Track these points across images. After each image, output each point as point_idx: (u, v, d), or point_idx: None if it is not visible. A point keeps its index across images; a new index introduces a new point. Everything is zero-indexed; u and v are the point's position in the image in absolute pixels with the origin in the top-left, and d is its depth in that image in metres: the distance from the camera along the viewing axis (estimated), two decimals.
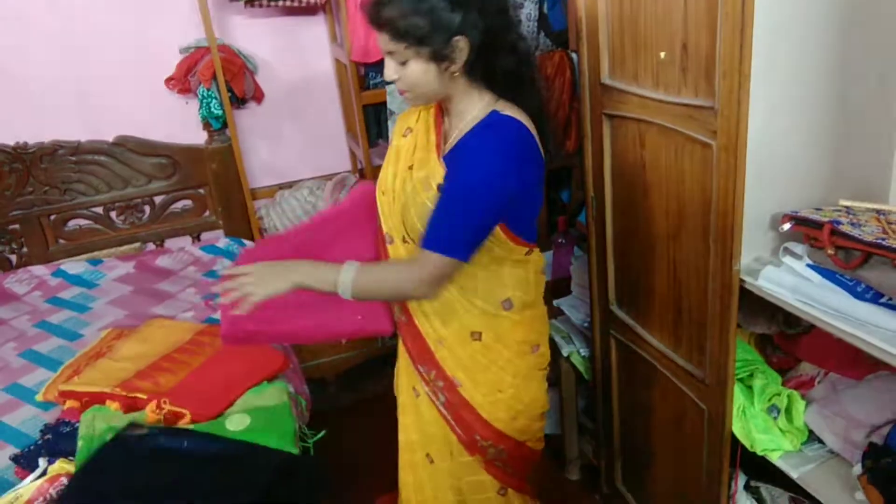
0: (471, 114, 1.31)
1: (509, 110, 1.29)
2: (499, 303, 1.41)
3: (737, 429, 1.44)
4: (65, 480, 1.43)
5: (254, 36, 2.69)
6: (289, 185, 2.86)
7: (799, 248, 1.27)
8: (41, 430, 1.63)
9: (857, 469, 1.27)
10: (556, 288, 2.26)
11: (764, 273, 1.28)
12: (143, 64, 2.59)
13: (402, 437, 1.65)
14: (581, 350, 2.09)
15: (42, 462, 1.51)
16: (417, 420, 1.59)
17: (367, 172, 2.66)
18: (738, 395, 1.44)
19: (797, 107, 1.26)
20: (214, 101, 2.52)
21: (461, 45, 1.21)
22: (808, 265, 1.24)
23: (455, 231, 1.26)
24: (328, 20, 2.75)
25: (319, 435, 1.74)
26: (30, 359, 2.04)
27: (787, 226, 1.27)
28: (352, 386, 2.79)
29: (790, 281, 1.24)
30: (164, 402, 1.62)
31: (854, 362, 1.41)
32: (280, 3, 2.53)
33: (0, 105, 2.51)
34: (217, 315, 2.14)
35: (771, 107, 1.22)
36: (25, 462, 1.53)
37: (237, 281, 1.29)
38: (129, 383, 1.69)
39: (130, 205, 2.69)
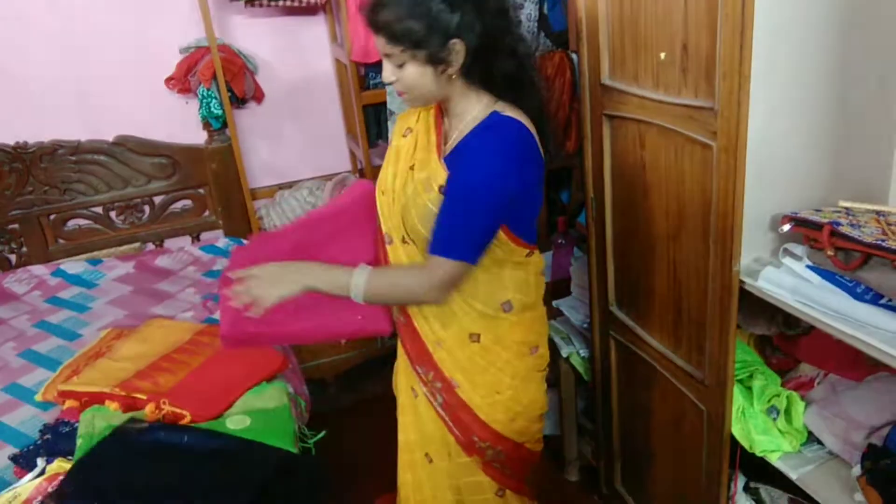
0: (470, 114, 1.31)
1: (509, 111, 1.29)
2: (499, 305, 1.41)
3: (736, 430, 1.44)
4: None
5: (254, 36, 2.69)
6: (289, 185, 2.86)
7: (799, 250, 1.27)
8: (40, 430, 1.63)
9: (857, 470, 1.27)
10: (556, 289, 2.26)
11: (764, 274, 1.28)
12: (143, 64, 2.59)
13: (401, 436, 1.65)
14: (580, 351, 2.09)
15: (40, 462, 1.51)
16: (416, 420, 1.59)
17: (367, 172, 2.66)
18: (737, 396, 1.44)
19: (797, 108, 1.26)
20: (214, 100, 2.52)
21: (458, 48, 1.21)
22: (808, 266, 1.24)
23: (461, 234, 1.27)
24: (328, 20, 2.75)
25: (319, 435, 1.74)
26: (29, 359, 2.03)
27: (786, 227, 1.27)
28: (351, 386, 2.79)
29: (790, 282, 1.24)
30: (164, 403, 1.62)
31: (853, 363, 1.41)
32: (280, 3, 2.53)
33: (0, 104, 2.51)
34: (216, 315, 2.14)
35: (771, 108, 1.22)
36: (24, 462, 1.53)
37: (245, 285, 1.29)
38: (129, 383, 1.69)
39: (130, 205, 2.69)
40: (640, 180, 1.54)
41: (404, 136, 1.41)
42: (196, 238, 2.80)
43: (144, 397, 1.64)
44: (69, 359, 1.94)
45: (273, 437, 1.56)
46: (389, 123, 2.47)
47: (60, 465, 1.48)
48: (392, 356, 1.70)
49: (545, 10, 2.37)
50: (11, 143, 2.51)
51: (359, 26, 2.40)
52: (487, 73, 1.26)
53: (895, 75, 1.31)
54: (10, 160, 2.51)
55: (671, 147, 1.41)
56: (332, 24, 2.75)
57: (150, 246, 2.74)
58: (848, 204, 1.31)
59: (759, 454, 1.42)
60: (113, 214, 2.69)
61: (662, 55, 1.35)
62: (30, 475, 1.48)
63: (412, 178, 1.34)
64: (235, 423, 1.60)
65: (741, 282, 1.31)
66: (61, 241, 2.66)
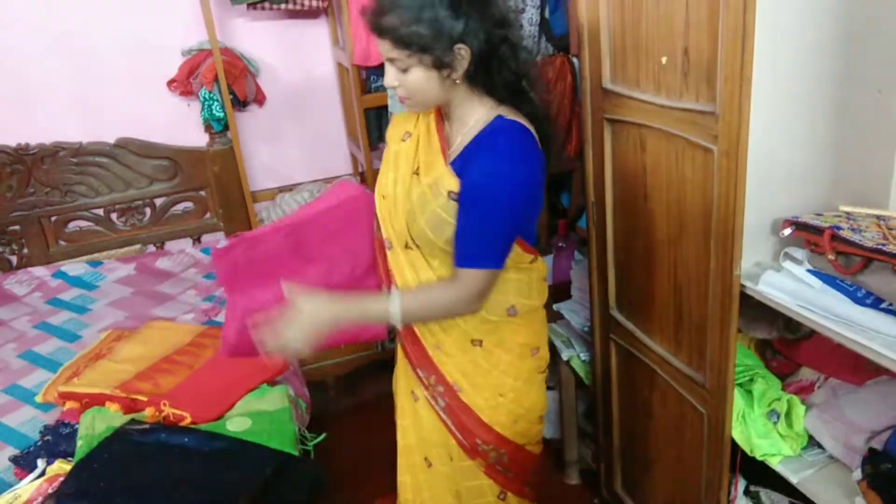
0: (472, 119, 1.31)
1: (512, 115, 1.30)
2: (504, 311, 1.42)
3: (737, 433, 1.44)
4: None
5: (256, 39, 2.70)
6: (289, 188, 2.86)
7: (799, 254, 1.27)
8: (41, 431, 1.63)
9: (857, 474, 1.26)
10: (557, 292, 2.26)
11: (764, 278, 1.28)
12: (145, 66, 2.60)
13: (400, 440, 1.65)
14: (581, 354, 2.08)
15: (41, 463, 1.51)
16: (415, 424, 1.58)
17: (368, 175, 2.66)
18: (738, 400, 1.44)
19: (798, 112, 1.27)
20: (216, 103, 2.53)
21: (463, 53, 1.21)
22: (809, 270, 1.24)
23: (487, 242, 1.28)
24: (330, 23, 2.76)
25: (319, 438, 1.74)
26: (30, 360, 2.04)
27: (787, 231, 1.27)
28: (352, 389, 2.79)
29: (791, 286, 1.24)
30: (165, 405, 1.62)
31: (854, 367, 1.41)
32: (282, 7, 2.54)
33: (2, 106, 2.51)
34: (218, 318, 2.14)
35: (772, 112, 1.22)
36: (24, 463, 1.53)
37: (276, 331, 1.28)
38: (129, 385, 1.69)
39: (131, 206, 2.70)
40: (641, 184, 1.54)
41: (403, 140, 1.41)
42: (197, 240, 2.80)
43: (145, 399, 1.64)
44: (70, 360, 1.95)
45: (273, 440, 1.57)
46: None
47: (61, 467, 1.48)
48: (392, 359, 1.70)
49: (546, 15, 2.37)
50: (13, 144, 2.51)
51: (360, 30, 2.41)
52: (490, 79, 1.27)
53: None
54: (12, 162, 2.51)
55: (672, 151, 1.41)
56: (334, 27, 2.76)
57: (151, 248, 2.75)
58: (848, 208, 1.31)
59: (759, 458, 1.42)
60: (114, 216, 2.69)
61: (664, 59, 1.35)
62: (30, 476, 1.48)
63: (418, 183, 1.33)
64: (236, 424, 1.61)
65: (742, 286, 1.31)
66: (62, 242, 2.67)
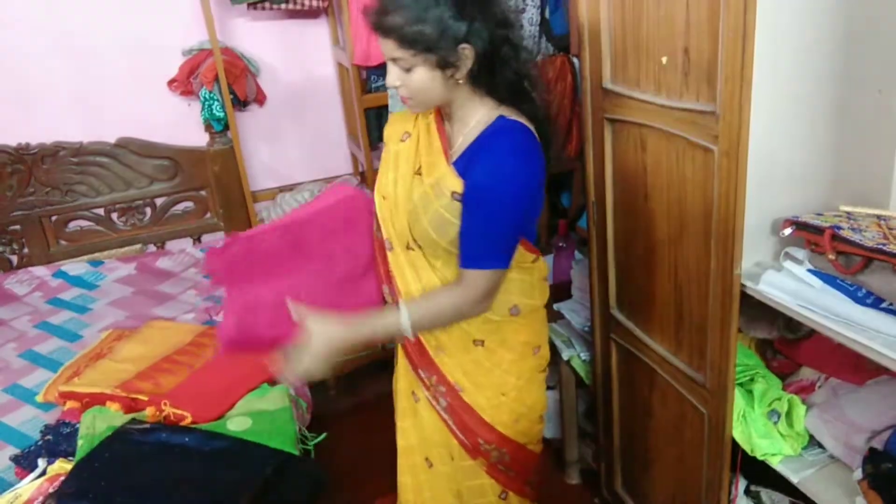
0: (474, 119, 1.31)
1: (514, 115, 1.30)
2: (506, 311, 1.42)
3: (737, 433, 1.44)
4: None
5: (256, 39, 2.70)
6: (290, 188, 2.86)
7: (800, 253, 1.27)
8: (41, 431, 1.63)
9: (858, 474, 1.27)
10: (557, 292, 2.26)
11: (765, 278, 1.28)
12: (145, 66, 2.60)
13: (400, 441, 1.64)
14: (581, 354, 2.09)
15: (41, 462, 1.51)
16: (416, 424, 1.58)
17: (369, 175, 2.66)
18: (738, 400, 1.44)
19: (798, 112, 1.27)
20: (216, 103, 2.53)
21: (467, 53, 1.21)
22: (809, 270, 1.24)
23: (493, 243, 1.28)
24: (330, 23, 2.76)
25: (320, 437, 1.74)
26: (30, 359, 2.04)
27: (788, 231, 1.27)
28: (352, 389, 2.79)
29: (791, 286, 1.24)
30: (165, 404, 1.62)
31: (854, 367, 1.41)
32: (283, 7, 2.54)
33: (2, 106, 2.51)
34: (218, 317, 2.14)
35: (772, 112, 1.23)
36: (25, 462, 1.53)
37: (298, 368, 1.30)
38: (130, 384, 1.69)
39: (132, 206, 2.70)
40: (642, 184, 1.54)
41: (402, 140, 1.40)
42: (197, 240, 2.80)
43: (145, 398, 1.64)
44: (70, 360, 1.95)
45: (274, 439, 1.57)
46: None
47: (61, 466, 1.48)
48: (392, 359, 1.70)
49: (547, 15, 2.37)
50: (13, 144, 2.51)
51: (360, 30, 2.41)
52: (493, 79, 1.27)
53: None
54: (12, 161, 2.52)
55: (672, 151, 1.41)
56: (334, 27, 2.76)
57: (152, 247, 2.75)
58: (849, 208, 1.31)
59: (759, 458, 1.42)
60: (114, 216, 2.70)
61: (664, 59, 1.35)
62: (31, 476, 1.48)
63: (420, 183, 1.33)
64: (236, 424, 1.61)
65: (742, 285, 1.31)
66: (63, 242, 2.67)
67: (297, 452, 1.58)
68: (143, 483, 1.41)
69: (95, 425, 1.56)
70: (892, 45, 1.28)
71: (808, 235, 1.24)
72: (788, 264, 1.27)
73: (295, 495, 1.48)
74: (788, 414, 1.41)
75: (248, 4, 2.51)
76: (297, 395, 1.84)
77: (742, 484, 1.57)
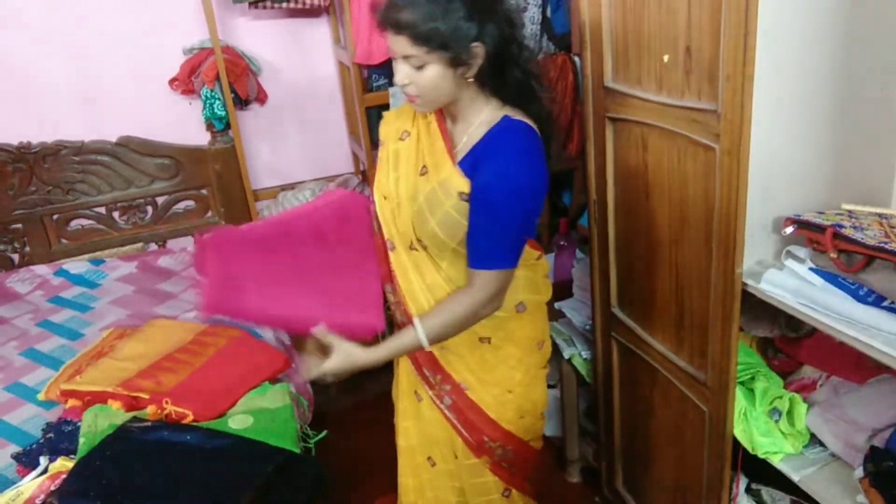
0: (478, 119, 1.31)
1: (518, 115, 1.30)
2: (513, 307, 1.43)
3: (738, 431, 1.45)
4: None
5: (258, 37, 2.70)
6: (291, 187, 2.86)
7: (801, 252, 1.27)
8: (43, 429, 1.64)
9: (859, 472, 1.27)
10: (558, 290, 2.26)
11: (766, 276, 1.28)
12: (146, 65, 2.60)
13: (402, 441, 1.64)
14: (582, 352, 2.09)
15: (43, 460, 1.51)
16: (418, 424, 1.59)
17: (370, 174, 2.66)
18: (739, 398, 1.44)
19: (800, 110, 1.27)
20: (218, 102, 2.53)
21: (478, 52, 1.21)
22: (811, 268, 1.24)
23: (502, 243, 1.28)
24: (332, 22, 2.76)
25: (320, 435, 1.74)
26: (32, 358, 2.04)
27: (789, 229, 1.27)
28: (353, 387, 2.79)
29: (792, 284, 1.24)
30: (166, 402, 1.62)
31: (856, 366, 1.41)
32: (284, 5, 2.54)
33: (4, 105, 2.52)
34: (218, 316, 2.14)
35: (774, 110, 1.22)
36: (27, 460, 1.53)
37: (319, 371, 1.33)
38: (131, 383, 1.69)
39: (133, 205, 2.70)
40: (643, 183, 1.54)
41: (401, 138, 1.39)
42: None
43: (147, 397, 1.64)
44: (72, 358, 1.95)
45: (275, 437, 1.57)
46: None
47: (63, 464, 1.48)
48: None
49: (548, 13, 2.37)
50: (15, 143, 2.52)
51: (362, 28, 2.40)
52: (501, 78, 1.27)
53: None
54: (14, 160, 2.52)
55: (674, 149, 1.41)
56: (336, 26, 2.76)
57: (153, 246, 2.75)
58: (850, 206, 1.31)
59: (761, 456, 1.42)
60: (116, 215, 2.70)
61: (666, 58, 1.35)
62: (32, 474, 1.48)
63: (425, 183, 1.32)
64: (238, 422, 1.61)
65: (744, 284, 1.31)
66: (64, 241, 2.67)
67: (298, 451, 1.59)
68: (144, 481, 1.41)
69: (97, 423, 1.56)
70: (893, 43, 1.28)
71: (810, 234, 1.23)
72: (790, 263, 1.27)
73: (296, 493, 1.48)
74: (789, 412, 1.41)
75: (250, 3, 2.51)
76: (299, 394, 1.84)
77: (743, 482, 1.57)
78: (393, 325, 1.54)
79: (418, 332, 1.32)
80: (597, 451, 2.14)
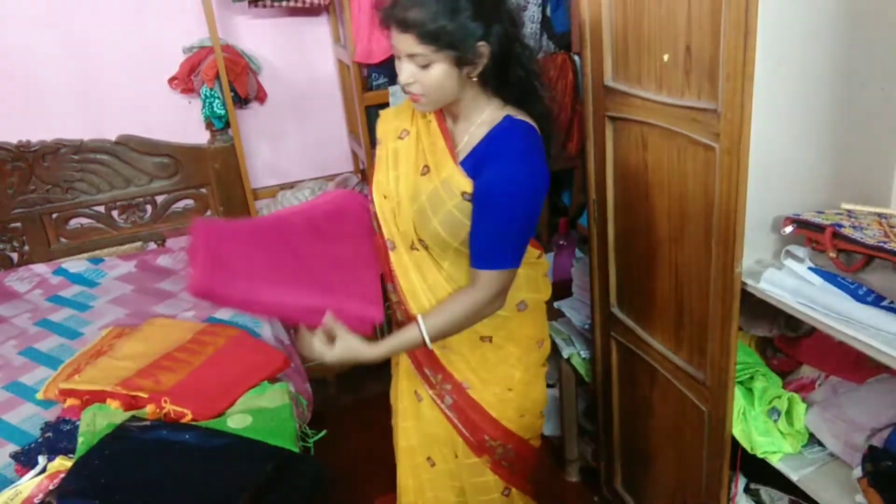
0: (479, 118, 1.31)
1: (520, 115, 1.30)
2: (514, 306, 1.43)
3: (737, 431, 1.45)
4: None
5: (257, 36, 2.70)
6: (290, 186, 2.86)
7: (801, 251, 1.27)
8: (41, 428, 1.63)
9: (858, 472, 1.27)
10: (558, 290, 2.26)
11: (765, 276, 1.28)
12: (146, 63, 2.60)
13: (401, 442, 1.64)
14: (582, 352, 2.09)
15: (42, 459, 1.51)
16: (418, 424, 1.58)
17: (369, 173, 2.65)
18: (738, 398, 1.44)
19: (800, 110, 1.27)
20: (217, 100, 2.53)
21: (483, 51, 1.21)
22: (810, 268, 1.24)
23: (506, 243, 1.29)
24: (331, 21, 2.76)
25: (319, 435, 1.74)
26: (30, 357, 2.04)
27: (788, 229, 1.27)
28: (352, 386, 2.79)
29: (792, 284, 1.24)
30: (165, 402, 1.62)
31: (855, 365, 1.41)
32: (284, 4, 2.54)
33: (3, 103, 2.51)
34: (217, 315, 2.14)
35: (774, 110, 1.22)
36: (25, 459, 1.53)
37: (319, 354, 1.33)
38: (130, 382, 1.69)
39: (132, 204, 2.69)
40: (643, 182, 1.54)
41: (400, 137, 1.38)
42: None
43: (146, 396, 1.64)
44: (70, 357, 1.94)
45: (274, 437, 1.57)
46: None
47: (62, 463, 1.48)
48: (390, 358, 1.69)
49: (548, 12, 2.37)
50: (14, 141, 2.51)
51: (362, 27, 2.40)
52: (504, 77, 1.27)
53: None
54: (13, 159, 2.51)
55: (674, 149, 1.41)
56: (336, 25, 2.75)
57: (152, 245, 2.75)
58: (850, 206, 1.31)
59: (759, 455, 1.42)
60: (115, 213, 2.69)
61: (666, 57, 1.35)
62: (31, 473, 1.48)
63: (427, 183, 1.31)
64: (237, 421, 1.61)
65: (743, 283, 1.31)
66: (63, 239, 2.67)
67: (297, 450, 1.58)
68: (143, 480, 1.41)
69: (96, 423, 1.56)
70: (893, 43, 1.28)
71: (809, 233, 1.24)
72: (789, 262, 1.27)
73: (295, 493, 1.48)
74: (788, 412, 1.41)
75: (249, 2, 2.51)
76: (298, 393, 1.84)
77: (742, 482, 1.57)
78: (392, 324, 1.54)
79: (421, 330, 1.32)
80: (596, 451, 2.14)
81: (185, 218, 2.76)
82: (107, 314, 2.26)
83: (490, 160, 1.26)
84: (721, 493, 1.54)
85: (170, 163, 2.68)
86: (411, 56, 1.21)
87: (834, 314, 1.16)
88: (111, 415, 1.59)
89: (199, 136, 2.69)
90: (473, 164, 1.28)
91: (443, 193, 1.29)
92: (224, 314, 2.14)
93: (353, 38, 2.45)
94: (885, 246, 1.11)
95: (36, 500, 1.38)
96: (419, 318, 1.33)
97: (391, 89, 2.45)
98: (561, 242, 2.42)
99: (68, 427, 1.60)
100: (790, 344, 1.53)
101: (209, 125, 2.63)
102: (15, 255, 2.63)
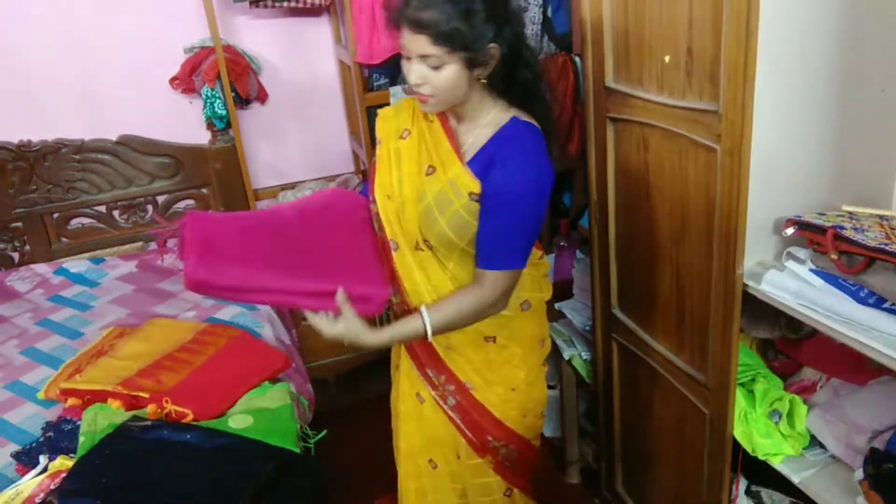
0: (484, 119, 1.31)
1: (525, 117, 1.30)
2: (518, 305, 1.43)
3: (738, 433, 1.44)
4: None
5: (258, 36, 2.70)
6: (291, 186, 2.86)
7: (802, 253, 1.27)
8: (42, 428, 1.64)
9: (859, 474, 1.26)
10: (559, 291, 2.26)
11: (767, 277, 1.28)
12: (147, 63, 2.60)
13: (403, 445, 1.63)
14: (583, 353, 2.09)
15: (43, 459, 1.51)
16: (420, 426, 1.58)
17: (370, 174, 2.66)
18: (739, 400, 1.44)
19: (801, 111, 1.27)
20: (218, 101, 2.53)
21: (494, 53, 1.21)
22: (811, 270, 1.24)
23: (513, 244, 1.29)
24: (332, 21, 2.76)
25: (320, 435, 1.74)
26: (31, 356, 2.04)
27: (790, 230, 1.27)
28: (352, 387, 2.79)
29: (793, 285, 1.24)
30: (166, 402, 1.62)
31: (856, 367, 1.41)
32: (285, 4, 2.54)
33: (4, 103, 2.51)
34: (219, 315, 2.14)
35: (775, 111, 1.22)
36: (26, 459, 1.53)
37: (328, 331, 1.32)
38: (131, 381, 1.69)
39: (133, 204, 2.70)
40: (644, 183, 1.54)
41: (402, 137, 1.38)
42: None
43: (147, 396, 1.64)
44: (71, 357, 1.94)
45: (275, 437, 1.57)
46: None
47: (63, 463, 1.48)
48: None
49: (549, 13, 2.37)
50: (15, 141, 2.51)
51: (363, 27, 2.40)
52: (512, 79, 1.27)
53: None
54: (14, 158, 2.51)
55: (675, 150, 1.41)
56: (336, 25, 2.75)
57: (153, 245, 2.75)
58: (851, 208, 1.31)
59: (761, 457, 1.42)
60: (116, 213, 2.69)
61: (667, 58, 1.35)
62: (32, 472, 1.48)
63: (433, 183, 1.31)
64: (237, 422, 1.61)
65: (744, 285, 1.31)
66: (64, 239, 2.67)
67: (298, 450, 1.58)
68: (144, 480, 1.41)
69: (97, 422, 1.56)
70: (893, 43, 1.28)
71: (811, 235, 1.23)
72: (790, 264, 1.27)
73: (296, 493, 1.48)
74: (790, 414, 1.41)
75: (250, 2, 2.51)
76: (299, 393, 1.84)
77: (743, 484, 1.57)
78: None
79: (424, 321, 1.32)
80: (596, 453, 2.14)
81: None
82: (108, 314, 2.26)
83: (499, 161, 1.26)
84: (722, 495, 1.53)
85: (171, 163, 2.68)
86: (423, 57, 1.20)
87: (835, 316, 1.16)
88: (112, 415, 1.59)
89: (199, 136, 2.69)
90: (481, 164, 1.28)
91: (450, 194, 1.28)
92: (225, 314, 2.14)
93: (355, 38, 2.45)
94: (887, 248, 1.11)
95: (37, 500, 1.38)
96: (423, 309, 1.33)
97: (392, 90, 2.45)
98: (562, 244, 2.42)
99: (69, 427, 1.61)
100: (791, 346, 1.52)
101: (210, 125, 2.63)
102: (16, 255, 2.63)
